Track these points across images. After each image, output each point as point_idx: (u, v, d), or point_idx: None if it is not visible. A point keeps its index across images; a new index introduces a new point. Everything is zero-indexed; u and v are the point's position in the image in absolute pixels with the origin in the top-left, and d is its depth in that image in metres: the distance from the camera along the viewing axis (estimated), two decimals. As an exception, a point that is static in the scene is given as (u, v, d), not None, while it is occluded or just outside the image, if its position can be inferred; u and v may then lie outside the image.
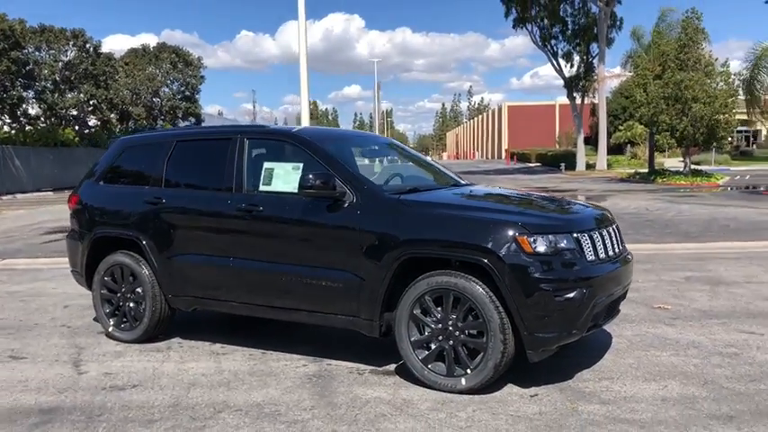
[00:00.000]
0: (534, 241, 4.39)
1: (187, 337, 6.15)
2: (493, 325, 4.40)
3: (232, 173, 5.52)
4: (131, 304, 6.00)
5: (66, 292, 8.53)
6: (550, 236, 4.44)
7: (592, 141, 52.95)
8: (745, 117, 36.71)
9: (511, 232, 4.42)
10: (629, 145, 55.30)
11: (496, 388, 4.60)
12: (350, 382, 4.87)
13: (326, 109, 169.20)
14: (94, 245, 6.18)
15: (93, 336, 6.32)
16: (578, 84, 44.50)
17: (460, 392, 4.53)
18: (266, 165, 5.46)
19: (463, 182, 6.20)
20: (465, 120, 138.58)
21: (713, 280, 8.28)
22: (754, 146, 65.26)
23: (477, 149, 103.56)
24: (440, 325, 4.61)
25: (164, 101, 51.93)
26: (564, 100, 72.71)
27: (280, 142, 5.67)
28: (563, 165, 47.10)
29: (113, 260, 6.05)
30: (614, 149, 52.73)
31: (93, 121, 46.89)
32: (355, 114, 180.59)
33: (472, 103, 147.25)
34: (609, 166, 45.04)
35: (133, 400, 4.64)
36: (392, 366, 5.19)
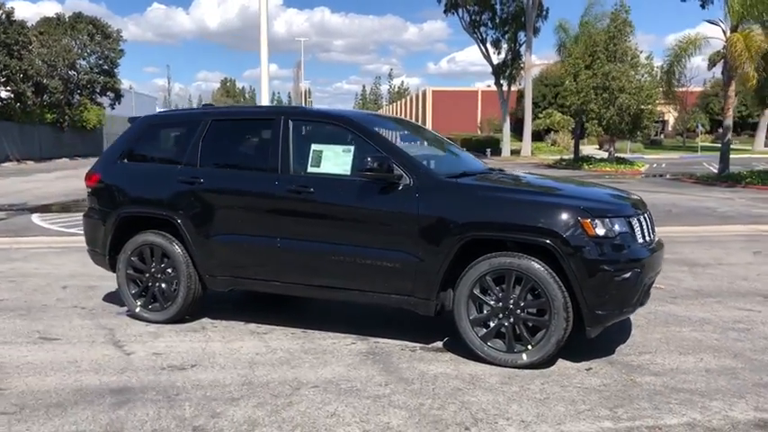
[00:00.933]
0: (595, 224, 4.68)
1: (215, 317, 6.14)
2: (557, 303, 4.67)
3: (277, 154, 5.54)
4: (163, 284, 5.93)
5: (53, 273, 8.28)
6: (608, 219, 4.74)
7: (514, 128, 54.44)
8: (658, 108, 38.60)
9: (575, 216, 4.69)
10: (549, 132, 57.20)
11: (551, 363, 4.89)
12: (408, 359, 5.04)
13: (243, 87, 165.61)
14: (121, 224, 6.06)
15: (115, 317, 6.21)
16: (506, 71, 45.60)
17: (520, 367, 4.79)
18: (314, 147, 5.52)
19: (495, 167, 6.44)
20: (385, 103, 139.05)
21: (688, 261, 8.90)
22: (662, 135, 68.77)
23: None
24: (500, 303, 4.85)
25: (81, 74, 49.67)
26: (486, 87, 74.48)
27: (326, 124, 5.74)
28: (488, 150, 48.25)
29: (143, 240, 5.96)
30: (534, 136, 54.43)
31: (4, 93, 44.36)
32: (273, 93, 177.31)
33: (392, 87, 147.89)
34: (532, 152, 46.50)
35: (201, 378, 4.65)
36: (438, 344, 5.40)
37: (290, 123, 5.62)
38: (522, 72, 44.61)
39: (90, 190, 6.37)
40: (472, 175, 5.52)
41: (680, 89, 32.60)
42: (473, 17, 45.87)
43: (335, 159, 5.43)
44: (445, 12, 44.92)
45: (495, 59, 46.03)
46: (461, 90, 79.31)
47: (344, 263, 5.26)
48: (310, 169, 5.48)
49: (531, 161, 40.87)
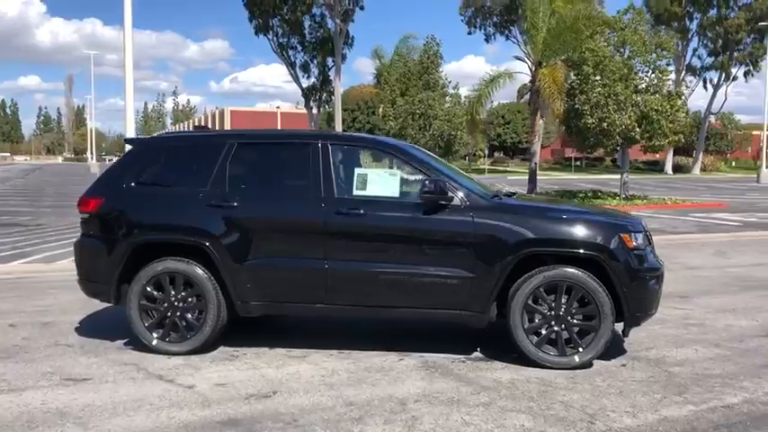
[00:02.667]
0: (631, 238, 5.42)
1: (229, 345, 5.96)
2: (605, 309, 5.32)
3: (319, 177, 5.61)
4: (188, 314, 5.67)
5: (-23, 309, 7.37)
6: (636, 234, 5.51)
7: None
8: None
9: (617, 231, 5.40)
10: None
11: (588, 363, 5.50)
12: (470, 370, 5.38)
13: (2, 100, 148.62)
14: (134, 253, 5.70)
15: (122, 351, 5.80)
16: (315, 94, 46.60)
17: (573, 368, 5.36)
18: (358, 171, 5.68)
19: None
20: (170, 121, 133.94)
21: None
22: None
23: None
24: (552, 312, 5.39)
25: None
26: (286, 107, 75.21)
27: (366, 149, 5.92)
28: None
29: (163, 268, 5.65)
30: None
31: None
32: (40, 108, 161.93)
33: (177, 105, 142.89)
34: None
35: (300, 404, 4.62)
36: (476, 354, 5.79)
37: (330, 147, 5.72)
38: (332, 96, 45.83)
39: (87, 216, 5.89)
40: (507, 195, 6.01)
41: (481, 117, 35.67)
42: (280, 40, 46.30)
43: (382, 182, 5.64)
44: (256, 33, 44.86)
45: (305, 83, 46.82)
46: (261, 111, 79.29)
47: (398, 281, 5.48)
48: (357, 192, 5.63)
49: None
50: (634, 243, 5.41)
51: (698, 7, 56.48)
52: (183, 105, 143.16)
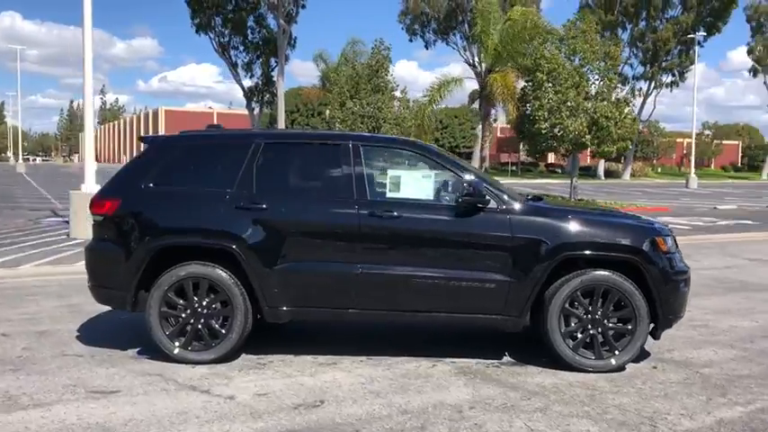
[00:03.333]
0: (664, 241, 5.48)
1: (251, 353, 5.72)
2: (642, 312, 5.36)
3: (351, 179, 5.46)
4: (213, 321, 5.41)
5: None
6: (667, 237, 5.57)
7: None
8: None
9: (651, 235, 5.45)
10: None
11: (622, 366, 5.53)
12: (509, 375, 5.32)
13: None
14: (156, 257, 5.40)
15: (139, 360, 5.49)
16: (258, 95, 45.96)
17: (608, 371, 5.37)
18: (391, 172, 5.56)
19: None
20: (97, 120, 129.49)
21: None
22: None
23: (125, 153, 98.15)
24: (588, 316, 5.39)
25: None
26: (219, 108, 73.82)
27: (397, 150, 5.79)
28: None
29: (187, 272, 5.38)
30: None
31: None
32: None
33: (105, 103, 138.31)
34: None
35: (351, 414, 4.46)
36: (506, 359, 5.73)
37: (361, 149, 5.57)
38: (275, 97, 45.28)
39: (102, 219, 5.55)
40: (537, 198, 5.98)
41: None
42: (222, 39, 45.47)
43: (415, 184, 5.53)
44: (197, 32, 43.89)
45: (247, 83, 46.12)
46: (196, 111, 77.55)
47: (434, 286, 5.38)
48: (390, 194, 5.50)
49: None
50: (666, 246, 5.48)
51: (629, 18, 58.54)
52: (112, 104, 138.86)
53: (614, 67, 24.00)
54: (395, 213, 5.39)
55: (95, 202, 5.60)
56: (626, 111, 23.56)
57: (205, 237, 5.44)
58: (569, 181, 26.15)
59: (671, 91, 63.99)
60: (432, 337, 6.36)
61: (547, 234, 5.37)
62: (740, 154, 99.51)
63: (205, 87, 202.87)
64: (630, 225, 5.58)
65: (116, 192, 5.59)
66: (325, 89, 36.89)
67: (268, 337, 6.16)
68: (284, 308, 5.45)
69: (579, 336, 5.42)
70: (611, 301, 5.39)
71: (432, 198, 5.53)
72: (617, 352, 5.40)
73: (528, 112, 23.39)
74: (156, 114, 75.89)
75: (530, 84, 24.08)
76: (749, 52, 70.75)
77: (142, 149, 5.93)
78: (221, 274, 5.38)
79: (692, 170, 48.59)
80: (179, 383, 4.98)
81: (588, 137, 23.05)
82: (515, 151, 69.10)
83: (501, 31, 27.07)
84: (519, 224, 5.38)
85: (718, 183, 57.41)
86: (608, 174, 64.00)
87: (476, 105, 30.99)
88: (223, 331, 5.40)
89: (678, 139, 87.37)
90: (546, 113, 22.57)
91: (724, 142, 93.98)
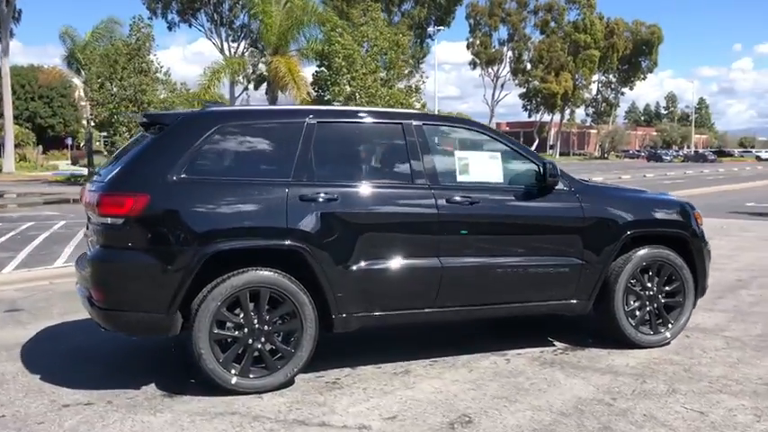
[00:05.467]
0: (700, 215, 5.71)
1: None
2: (689, 284, 5.51)
3: (421, 163, 4.82)
4: (275, 338, 4.45)
5: None
6: (698, 211, 5.81)
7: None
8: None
9: (692, 210, 5.63)
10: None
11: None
12: (587, 361, 5.10)
13: None
14: (205, 265, 4.27)
15: (177, 400, 4.31)
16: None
17: (661, 345, 5.45)
18: (459, 154, 5.03)
19: None
20: None
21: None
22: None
23: None
24: (646, 292, 5.42)
25: None
26: None
27: (459, 129, 5.24)
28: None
29: (245, 281, 4.33)
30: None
31: None
32: None
33: None
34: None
35: (514, 425, 3.96)
36: (561, 344, 5.51)
37: (424, 128, 4.94)
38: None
39: (123, 221, 4.22)
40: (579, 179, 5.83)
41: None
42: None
43: (484, 167, 5.08)
44: None
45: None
46: None
47: (517, 275, 5.02)
48: (461, 178, 4.98)
49: (21, 178, 36.05)
50: (701, 219, 5.71)
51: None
52: None
53: (404, 54, 24.82)
54: (473, 199, 4.89)
55: (108, 200, 4.25)
56: (414, 97, 24.55)
57: (268, 236, 4.43)
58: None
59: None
60: (461, 331, 5.91)
61: (613, 213, 5.28)
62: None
63: None
64: (676, 201, 5.74)
65: (139, 185, 4.29)
66: (71, 69, 33.06)
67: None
68: (357, 314, 4.67)
69: (638, 313, 5.42)
70: (664, 275, 5.46)
71: (501, 181, 5.12)
72: (670, 325, 5.50)
73: (327, 98, 23.21)
74: None
75: (324, 70, 23.93)
76: (468, 47, 78.40)
77: (153, 131, 4.62)
78: (286, 280, 4.44)
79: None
80: (283, 421, 3.99)
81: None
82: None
83: (281, 14, 26.46)
84: (588, 204, 5.21)
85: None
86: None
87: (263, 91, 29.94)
88: (290, 349, 4.47)
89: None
90: (344, 99, 22.62)
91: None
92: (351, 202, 4.60)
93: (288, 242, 4.41)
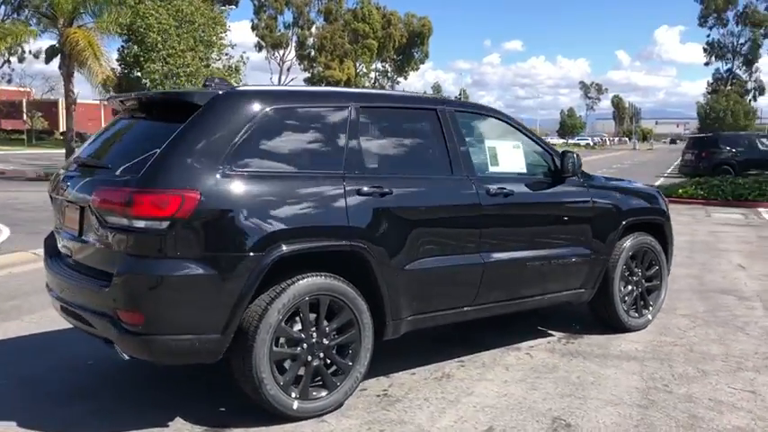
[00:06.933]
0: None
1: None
2: (663, 269, 5.81)
3: (457, 153, 4.50)
4: (333, 352, 3.90)
5: None
6: None
7: None
8: None
9: (664, 199, 5.94)
10: None
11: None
12: (602, 350, 5.14)
13: None
14: (270, 272, 3.60)
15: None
16: None
17: (645, 327, 5.68)
18: (488, 143, 4.78)
19: None
20: None
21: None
22: None
23: None
24: (635, 277, 5.61)
25: None
26: None
27: (484, 117, 4.97)
28: None
29: (306, 289, 3.72)
30: None
31: None
32: None
33: None
34: None
35: (611, 424, 3.87)
36: (562, 334, 5.52)
37: (457, 115, 4.62)
38: None
39: (167, 224, 3.39)
40: None
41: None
42: None
43: (509, 156, 4.90)
44: None
45: None
46: None
47: (548, 267, 4.95)
48: (492, 169, 4.75)
49: None
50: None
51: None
52: None
53: (223, 32, 23.56)
54: (507, 189, 4.68)
55: (146, 199, 3.38)
56: (234, 78, 23.44)
57: (330, 237, 3.85)
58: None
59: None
60: (453, 329, 5.66)
61: (615, 202, 5.40)
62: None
63: None
64: (654, 189, 6.01)
65: (186, 181, 3.47)
66: None
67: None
68: (408, 318, 4.25)
69: (627, 298, 5.59)
70: (647, 261, 5.70)
71: (525, 171, 4.97)
72: (651, 308, 5.76)
73: (140, 76, 21.30)
74: None
75: (135, 46, 21.93)
76: (253, 29, 76.68)
77: (193, 114, 3.73)
78: (345, 285, 3.91)
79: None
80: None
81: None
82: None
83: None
84: (595, 193, 5.27)
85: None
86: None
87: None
88: (348, 362, 3.96)
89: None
90: (162, 78, 20.96)
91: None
92: (403, 196, 4.16)
93: (350, 242, 3.88)
